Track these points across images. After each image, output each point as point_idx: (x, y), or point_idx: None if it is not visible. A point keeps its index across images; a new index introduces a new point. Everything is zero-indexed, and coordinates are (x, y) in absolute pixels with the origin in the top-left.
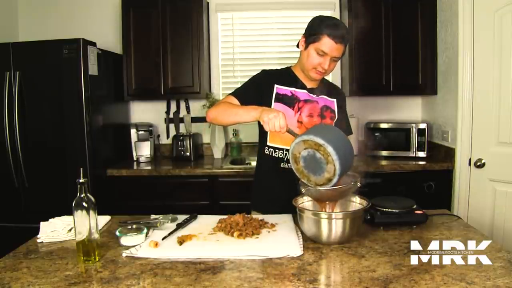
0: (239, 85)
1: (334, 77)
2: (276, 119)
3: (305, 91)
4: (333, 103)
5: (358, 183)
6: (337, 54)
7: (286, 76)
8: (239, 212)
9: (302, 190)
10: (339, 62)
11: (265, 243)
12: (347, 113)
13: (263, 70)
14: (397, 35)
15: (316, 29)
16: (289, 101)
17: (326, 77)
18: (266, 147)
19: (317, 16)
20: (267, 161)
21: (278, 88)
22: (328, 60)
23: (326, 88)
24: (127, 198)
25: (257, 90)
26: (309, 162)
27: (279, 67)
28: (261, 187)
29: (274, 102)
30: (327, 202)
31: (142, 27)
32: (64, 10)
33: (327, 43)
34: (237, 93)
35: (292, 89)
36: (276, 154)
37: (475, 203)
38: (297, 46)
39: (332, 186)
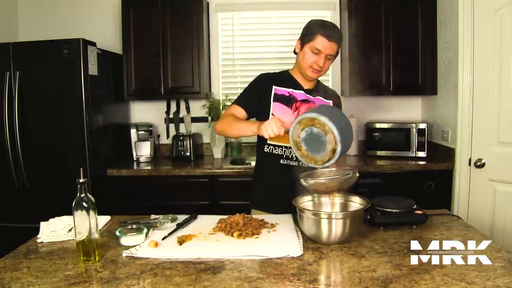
0: (239, 85)
1: (335, 77)
2: (272, 123)
3: (302, 91)
4: (329, 104)
5: (357, 173)
6: (330, 52)
7: (284, 78)
8: (239, 212)
9: (302, 181)
10: (338, 62)
11: (265, 243)
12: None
13: (261, 74)
14: (397, 35)
15: (310, 29)
16: (287, 100)
17: (325, 78)
18: (266, 145)
19: (310, 20)
20: (267, 159)
21: (276, 89)
22: (323, 58)
23: (322, 89)
24: (127, 198)
25: (257, 93)
26: (310, 142)
27: (278, 68)
28: (261, 185)
29: (273, 101)
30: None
31: (142, 27)
32: (64, 10)
33: (320, 41)
34: (239, 101)
35: (290, 90)
36: (276, 151)
37: (475, 203)
38: (294, 52)
39: (333, 174)
